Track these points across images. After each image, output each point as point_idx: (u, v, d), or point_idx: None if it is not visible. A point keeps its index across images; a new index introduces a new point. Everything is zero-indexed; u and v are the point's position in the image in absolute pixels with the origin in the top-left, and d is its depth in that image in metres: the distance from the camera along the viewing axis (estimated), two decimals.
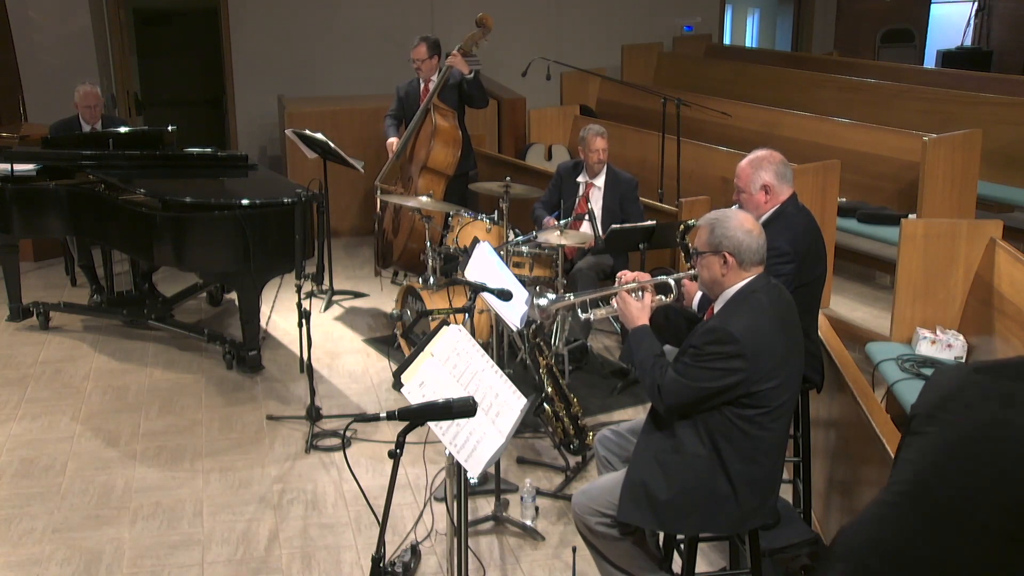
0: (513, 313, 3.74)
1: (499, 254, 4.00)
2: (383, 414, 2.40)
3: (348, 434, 4.69)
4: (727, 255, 2.92)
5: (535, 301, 3.36)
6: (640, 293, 3.21)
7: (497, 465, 4.04)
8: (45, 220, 5.85)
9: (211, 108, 10.19)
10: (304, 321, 4.55)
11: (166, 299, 6.30)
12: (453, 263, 5.61)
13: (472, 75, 6.16)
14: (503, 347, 4.95)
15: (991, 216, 5.95)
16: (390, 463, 2.43)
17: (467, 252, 4.98)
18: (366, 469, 4.44)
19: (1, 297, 6.34)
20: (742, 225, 2.94)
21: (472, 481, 3.89)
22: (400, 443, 2.43)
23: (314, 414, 4.77)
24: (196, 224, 5.19)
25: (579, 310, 3.44)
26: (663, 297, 3.31)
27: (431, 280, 5.37)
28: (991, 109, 7.06)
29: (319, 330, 6.01)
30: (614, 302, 3.24)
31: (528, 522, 3.93)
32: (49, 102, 7.93)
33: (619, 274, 3.32)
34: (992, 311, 4.34)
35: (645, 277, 3.29)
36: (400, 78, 6.80)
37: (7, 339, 5.95)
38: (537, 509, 4.00)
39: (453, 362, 2.88)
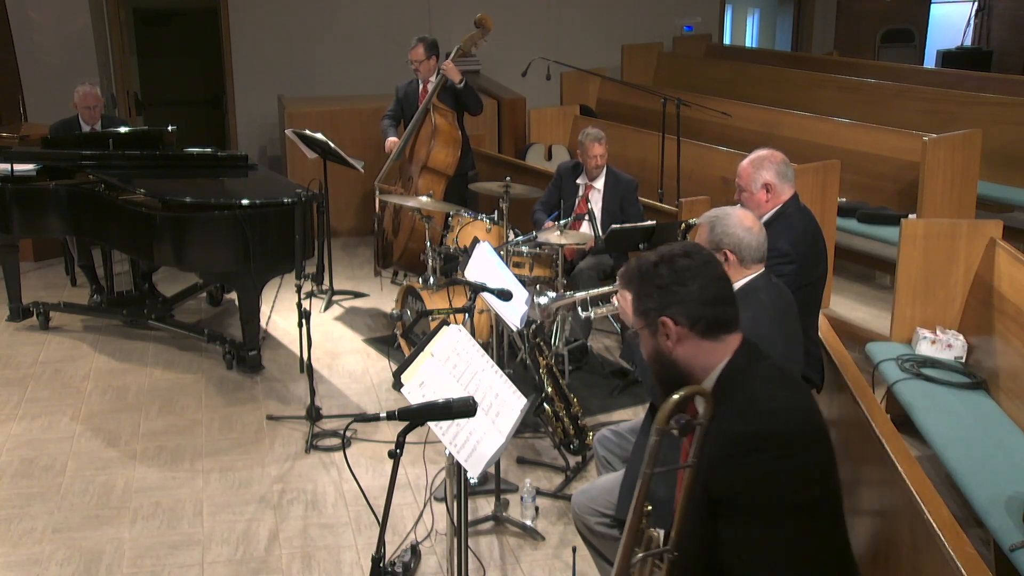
0: (513, 313, 3.74)
1: (499, 254, 4.00)
2: (383, 414, 2.40)
3: (348, 434, 4.69)
4: (728, 253, 2.92)
5: (535, 300, 3.37)
6: None
7: (497, 465, 4.04)
8: (45, 220, 5.85)
9: (211, 108, 10.19)
10: (304, 321, 4.55)
11: (166, 299, 6.30)
12: (453, 263, 5.61)
13: (463, 84, 6.13)
14: (503, 347, 4.95)
15: (991, 216, 5.95)
16: (390, 463, 2.42)
17: (467, 252, 4.98)
18: (366, 469, 4.44)
19: (1, 297, 6.34)
20: (742, 222, 2.94)
21: (472, 481, 3.89)
22: (400, 443, 2.43)
23: (314, 414, 4.77)
24: (196, 224, 5.19)
25: (579, 308, 3.44)
26: None
27: (431, 280, 5.37)
28: (991, 109, 7.06)
29: (319, 330, 6.01)
30: (614, 300, 3.24)
31: (528, 522, 3.93)
32: (49, 102, 7.94)
33: (619, 273, 3.32)
34: (992, 311, 4.34)
35: None
36: (400, 78, 6.80)
37: (7, 339, 5.95)
38: (537, 509, 4.00)
39: (453, 362, 2.88)
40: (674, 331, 2.08)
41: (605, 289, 3.34)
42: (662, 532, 2.09)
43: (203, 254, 5.26)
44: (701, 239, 3.00)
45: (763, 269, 2.97)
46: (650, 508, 2.04)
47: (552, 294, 3.36)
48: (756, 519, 1.96)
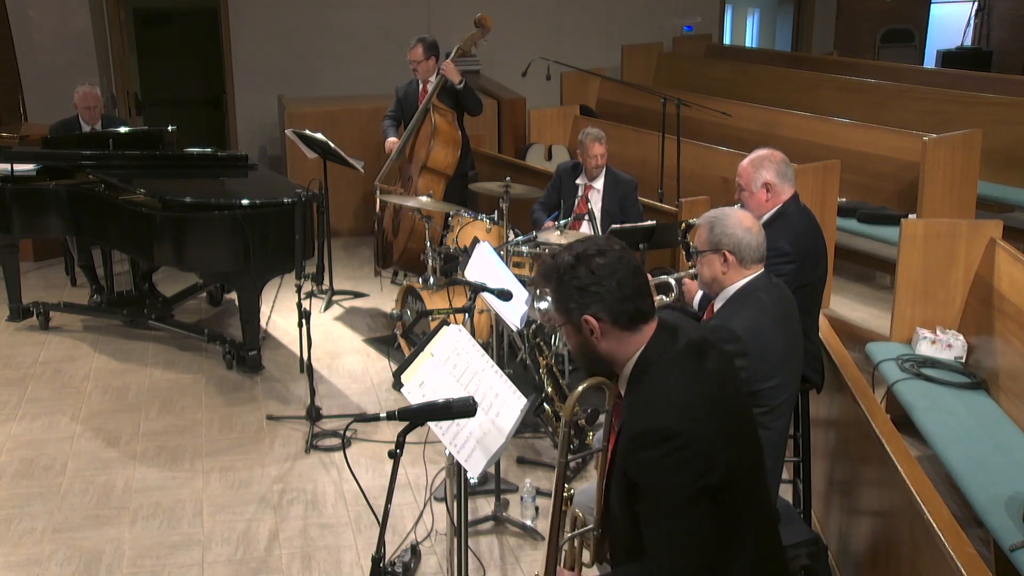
0: (513, 313, 3.74)
1: (499, 254, 4.00)
2: (383, 414, 2.40)
3: (348, 434, 4.69)
4: (727, 253, 2.92)
5: (536, 306, 3.37)
6: None
7: (497, 465, 4.04)
8: (45, 220, 5.85)
9: (211, 108, 10.19)
10: (304, 321, 4.55)
11: (166, 299, 6.30)
12: (453, 263, 5.61)
13: (462, 84, 6.13)
14: (503, 347, 4.94)
15: (991, 216, 5.95)
16: (390, 463, 2.43)
17: (467, 252, 4.98)
18: (366, 469, 4.44)
19: (1, 297, 6.34)
20: (741, 223, 2.94)
21: (472, 481, 3.89)
22: (400, 443, 2.43)
23: (314, 414, 4.77)
24: (196, 224, 5.19)
25: None
26: (663, 297, 3.31)
27: (431, 280, 5.37)
28: (991, 109, 7.06)
29: (319, 330, 6.01)
30: None
31: (528, 522, 3.93)
32: (49, 102, 7.94)
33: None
34: (992, 311, 4.35)
35: None
36: (399, 78, 6.80)
37: (7, 339, 5.95)
38: (537, 509, 4.00)
39: (453, 362, 2.88)
40: (597, 327, 2.20)
41: None
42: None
43: (203, 254, 5.26)
44: (700, 240, 3.00)
45: (763, 269, 2.98)
46: (572, 492, 2.41)
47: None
48: (661, 505, 2.11)
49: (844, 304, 6.17)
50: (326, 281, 6.59)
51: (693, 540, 2.10)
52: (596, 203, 5.57)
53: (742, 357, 2.76)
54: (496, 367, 3.03)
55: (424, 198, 5.43)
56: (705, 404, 2.14)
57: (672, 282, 3.34)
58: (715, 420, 2.14)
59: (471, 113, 6.38)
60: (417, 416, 2.46)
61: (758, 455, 2.31)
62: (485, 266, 3.86)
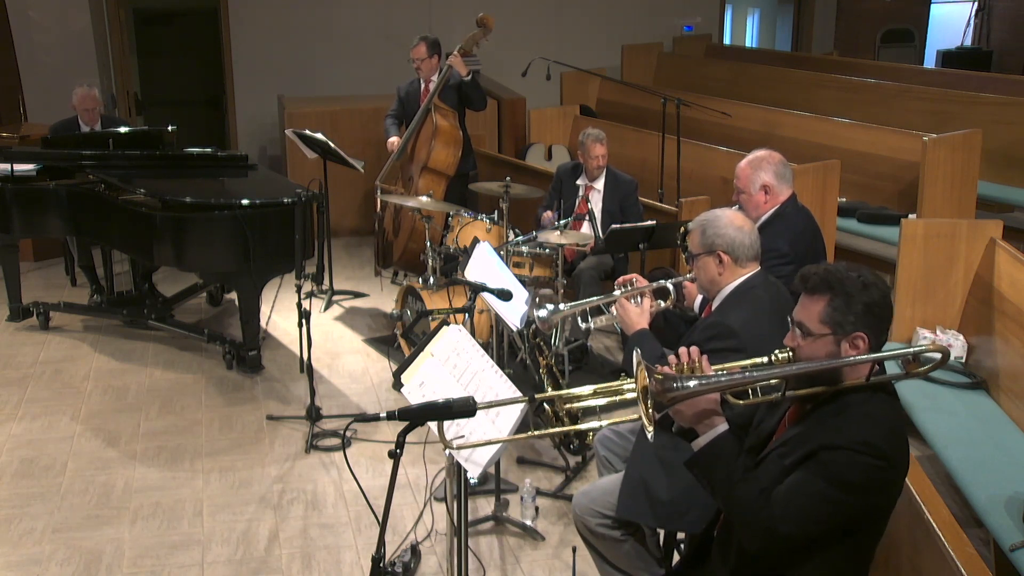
0: (513, 313, 3.75)
1: (499, 254, 4.00)
2: (383, 414, 2.40)
3: (348, 434, 4.69)
4: (721, 254, 2.93)
5: (536, 313, 3.38)
6: (639, 298, 3.21)
7: (497, 465, 4.04)
8: (45, 220, 5.84)
9: (211, 108, 10.19)
10: (304, 321, 4.55)
11: (166, 299, 6.30)
12: (453, 263, 5.61)
13: (470, 77, 6.15)
14: (503, 347, 4.95)
15: (991, 216, 5.95)
16: (390, 463, 2.43)
17: (467, 252, 4.98)
18: (366, 469, 4.44)
19: (1, 297, 6.34)
20: (733, 222, 2.95)
21: (472, 481, 3.89)
22: (400, 443, 2.43)
23: (314, 414, 4.77)
24: (196, 224, 5.19)
25: (579, 319, 3.45)
26: (662, 302, 3.31)
27: (431, 280, 5.37)
28: (991, 109, 7.06)
29: (319, 330, 6.01)
30: (613, 309, 3.25)
31: (528, 522, 3.93)
32: (49, 102, 7.94)
33: (618, 281, 3.32)
34: (992, 311, 4.35)
35: (644, 283, 3.29)
36: (400, 78, 6.80)
37: (7, 339, 5.95)
38: (537, 509, 4.00)
39: (453, 362, 2.88)
40: (863, 348, 2.26)
41: (604, 298, 3.34)
42: None
43: (203, 254, 5.26)
44: (694, 244, 3.00)
45: (759, 268, 2.98)
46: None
47: (551, 306, 3.36)
48: (823, 487, 2.16)
49: None
50: (326, 281, 6.59)
51: (811, 527, 2.18)
52: (596, 203, 5.57)
53: (741, 353, 2.76)
54: (496, 367, 3.03)
55: (424, 198, 5.43)
56: (906, 449, 2.28)
57: (670, 287, 3.34)
58: (906, 467, 2.28)
59: (474, 108, 6.37)
60: (417, 416, 2.46)
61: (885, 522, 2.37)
62: (485, 266, 3.86)
